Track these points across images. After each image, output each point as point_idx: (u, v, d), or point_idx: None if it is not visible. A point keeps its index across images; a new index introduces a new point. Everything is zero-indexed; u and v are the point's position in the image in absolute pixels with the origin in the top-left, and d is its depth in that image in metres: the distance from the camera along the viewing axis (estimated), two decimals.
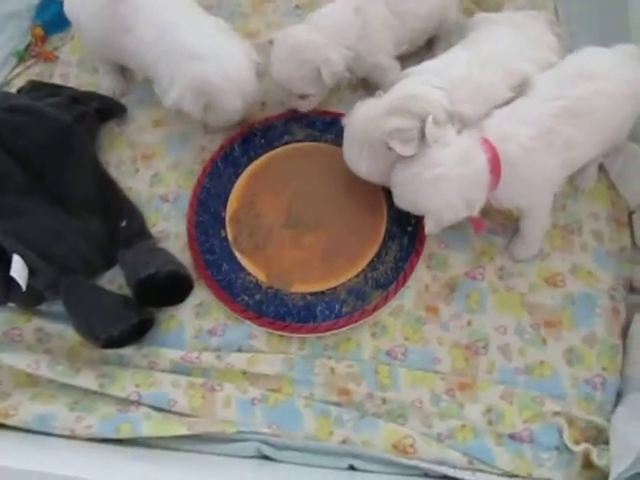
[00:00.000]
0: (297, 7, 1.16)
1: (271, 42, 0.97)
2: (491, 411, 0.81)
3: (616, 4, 1.09)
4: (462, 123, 0.83)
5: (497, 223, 0.94)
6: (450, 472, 0.76)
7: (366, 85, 1.05)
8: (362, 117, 0.85)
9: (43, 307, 0.92)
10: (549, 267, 0.90)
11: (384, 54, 0.99)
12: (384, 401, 0.83)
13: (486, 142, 0.80)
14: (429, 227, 0.81)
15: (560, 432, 0.78)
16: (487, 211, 0.93)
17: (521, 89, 0.86)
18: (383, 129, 0.82)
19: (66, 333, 0.89)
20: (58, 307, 0.89)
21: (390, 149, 0.82)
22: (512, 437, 0.79)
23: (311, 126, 1.03)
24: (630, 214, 0.94)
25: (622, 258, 0.91)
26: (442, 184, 0.79)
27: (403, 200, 0.84)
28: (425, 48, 1.08)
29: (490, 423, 0.81)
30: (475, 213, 0.81)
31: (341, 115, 0.99)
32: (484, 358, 0.85)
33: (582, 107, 0.81)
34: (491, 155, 0.79)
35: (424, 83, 0.85)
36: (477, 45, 0.91)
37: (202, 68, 0.90)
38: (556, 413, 0.80)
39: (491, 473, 0.77)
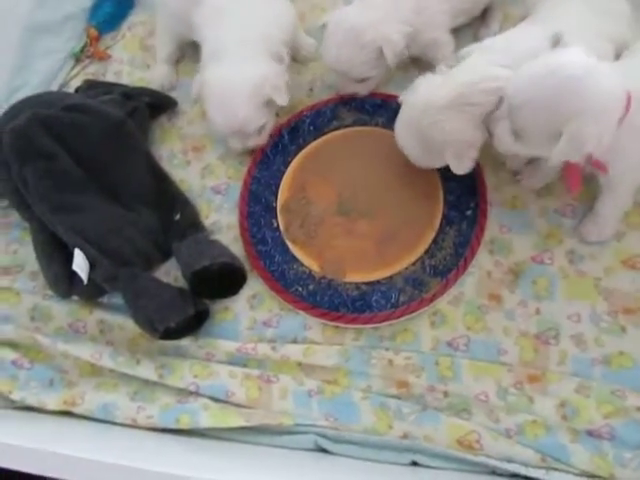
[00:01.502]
0: None
1: (324, 26, 0.94)
2: (565, 405, 0.75)
3: None
4: None
5: (565, 203, 0.87)
6: (522, 470, 0.71)
7: (417, 63, 1.00)
8: (422, 101, 0.79)
9: (104, 299, 0.95)
10: (626, 248, 0.82)
11: (441, 28, 0.94)
12: (446, 394, 0.79)
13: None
14: (560, 152, 0.68)
15: None
16: (552, 189, 0.87)
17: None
18: (442, 129, 0.77)
19: (126, 325, 0.91)
20: (118, 299, 0.92)
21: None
22: (590, 434, 0.73)
23: (360, 110, 0.99)
24: None
25: None
26: (596, 82, 0.66)
27: (536, 104, 0.68)
28: (479, 20, 1.01)
29: (564, 418, 0.74)
30: (599, 152, 0.69)
31: (391, 97, 0.96)
32: (555, 349, 0.79)
33: None
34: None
35: (489, 63, 0.78)
36: (546, 22, 0.83)
37: (212, 69, 0.91)
38: None
39: (567, 472, 0.71)
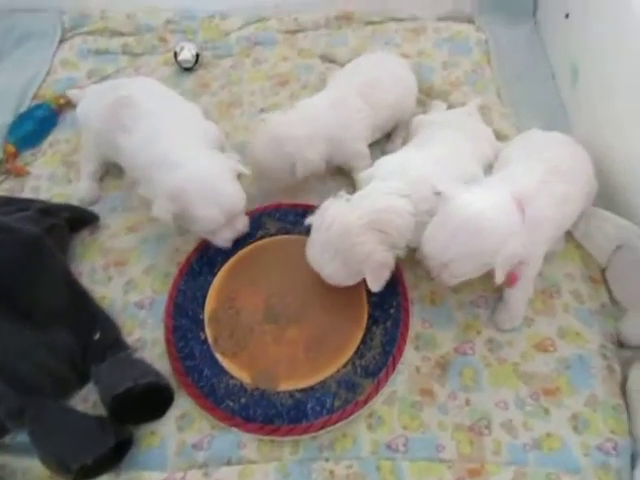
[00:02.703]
0: (262, 110, 1.23)
1: (262, 120, 1.03)
2: None
3: (550, 88, 1.22)
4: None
5: (477, 295, 0.94)
6: None
7: (335, 174, 1.09)
8: (337, 226, 0.83)
9: (6, 440, 0.83)
10: (537, 333, 0.90)
11: (363, 141, 1.06)
12: None
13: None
14: (499, 275, 0.77)
15: None
16: (465, 284, 0.94)
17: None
18: (361, 250, 0.82)
19: (32, 468, 0.80)
20: (23, 437, 0.81)
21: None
22: None
23: (283, 219, 1.04)
24: (602, 271, 0.96)
25: (605, 314, 0.91)
26: (490, 209, 0.78)
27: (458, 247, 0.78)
28: (386, 137, 1.16)
29: None
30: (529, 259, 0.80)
31: (311, 207, 1.01)
32: (489, 438, 0.81)
33: (564, 165, 0.87)
34: (512, 194, 0.80)
35: (391, 192, 0.86)
36: (426, 147, 0.95)
37: (178, 176, 0.91)
38: None
39: None
